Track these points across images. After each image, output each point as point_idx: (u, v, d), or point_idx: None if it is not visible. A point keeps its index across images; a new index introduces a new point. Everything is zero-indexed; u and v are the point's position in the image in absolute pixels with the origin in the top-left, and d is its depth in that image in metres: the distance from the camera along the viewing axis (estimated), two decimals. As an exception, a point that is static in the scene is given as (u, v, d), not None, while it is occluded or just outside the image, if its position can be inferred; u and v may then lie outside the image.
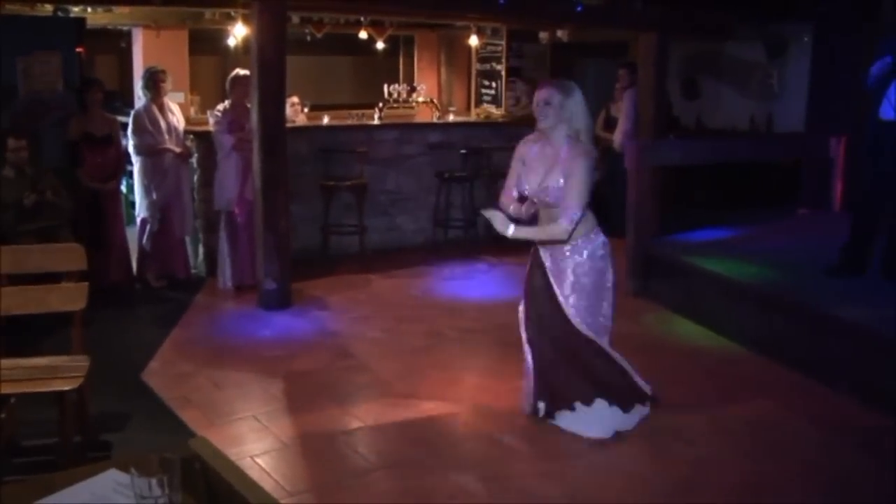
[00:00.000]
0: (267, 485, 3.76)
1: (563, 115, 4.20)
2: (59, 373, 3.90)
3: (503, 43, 10.85)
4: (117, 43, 10.38)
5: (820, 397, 5.10)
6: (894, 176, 5.75)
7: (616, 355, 4.49)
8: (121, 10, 7.99)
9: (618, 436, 4.47)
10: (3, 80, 6.76)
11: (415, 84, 10.51)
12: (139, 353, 5.64)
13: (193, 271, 7.65)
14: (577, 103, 4.23)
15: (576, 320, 4.33)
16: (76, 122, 6.78)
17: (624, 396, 4.50)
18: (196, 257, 7.74)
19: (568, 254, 4.31)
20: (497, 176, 8.06)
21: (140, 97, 7.51)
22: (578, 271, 4.31)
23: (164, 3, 6.73)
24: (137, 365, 5.41)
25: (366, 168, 8.16)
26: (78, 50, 7.36)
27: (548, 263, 4.39)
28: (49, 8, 7.12)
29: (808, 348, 5.51)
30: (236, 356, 5.66)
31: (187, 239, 7.57)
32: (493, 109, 10.52)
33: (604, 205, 9.68)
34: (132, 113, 7.22)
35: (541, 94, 4.25)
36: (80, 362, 4.01)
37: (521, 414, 4.72)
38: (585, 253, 4.30)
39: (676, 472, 4.13)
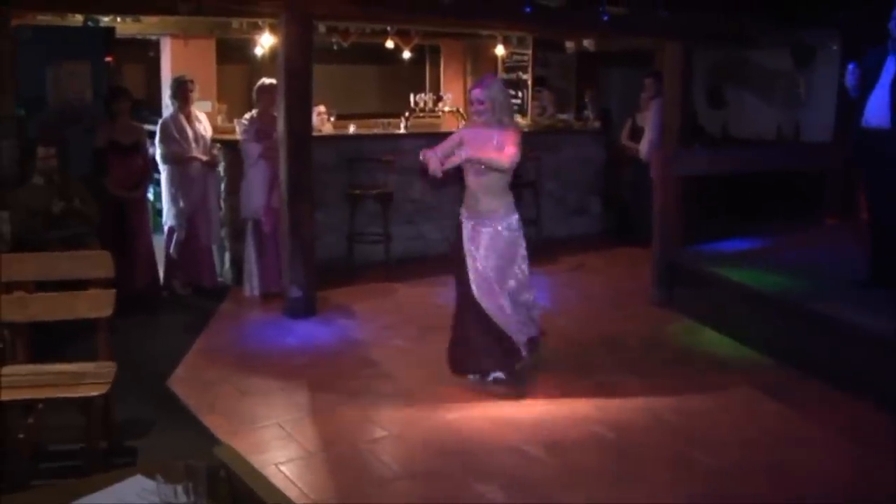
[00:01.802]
0: (291, 493, 3.77)
1: (492, 108, 5.05)
2: (86, 379, 3.94)
3: (529, 52, 10.87)
4: (146, 52, 10.51)
5: (845, 408, 5.04)
6: (889, 181, 5.68)
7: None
8: (149, 20, 8.08)
9: (639, 446, 4.47)
10: (34, 90, 6.84)
11: (441, 93, 10.53)
12: (165, 360, 5.67)
13: (219, 279, 7.68)
14: (499, 93, 5.13)
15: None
16: (103, 131, 6.83)
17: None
18: (222, 265, 7.78)
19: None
20: (522, 186, 8.02)
21: (168, 106, 7.57)
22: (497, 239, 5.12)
23: (191, 12, 6.77)
24: (163, 372, 5.44)
25: (391, 177, 8.16)
26: (107, 59, 7.46)
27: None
28: (79, 18, 7.21)
29: (832, 359, 5.45)
30: (261, 364, 5.68)
31: (214, 247, 7.61)
32: (518, 119, 10.49)
33: (629, 214, 9.75)
34: (160, 122, 7.27)
35: (475, 95, 5.10)
36: (107, 369, 4.04)
37: (545, 424, 4.74)
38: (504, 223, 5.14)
39: (699, 482, 4.10)
